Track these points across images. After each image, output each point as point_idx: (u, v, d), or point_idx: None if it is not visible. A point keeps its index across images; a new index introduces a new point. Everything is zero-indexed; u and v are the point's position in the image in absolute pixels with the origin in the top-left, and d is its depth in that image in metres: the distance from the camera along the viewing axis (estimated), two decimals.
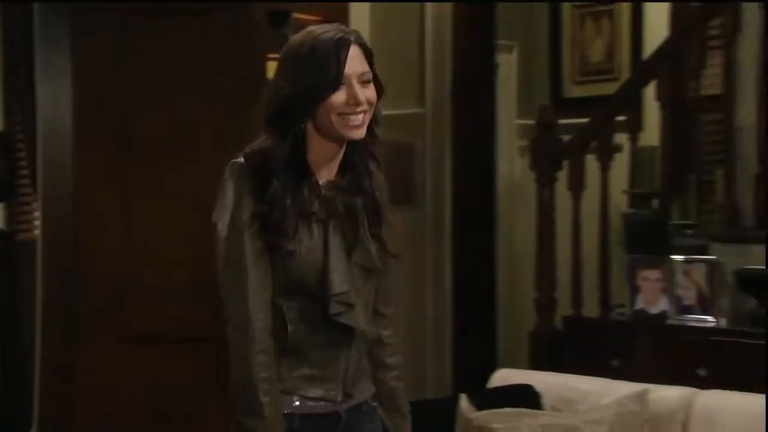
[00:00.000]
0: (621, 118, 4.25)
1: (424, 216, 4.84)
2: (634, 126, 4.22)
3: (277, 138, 2.05)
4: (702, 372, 3.54)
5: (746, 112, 4.07)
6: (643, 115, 4.44)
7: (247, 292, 2.01)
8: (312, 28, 2.10)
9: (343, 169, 2.11)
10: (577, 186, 4.19)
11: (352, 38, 2.05)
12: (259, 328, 2.01)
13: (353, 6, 4.94)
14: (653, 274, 3.86)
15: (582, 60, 4.98)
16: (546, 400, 3.24)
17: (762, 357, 3.35)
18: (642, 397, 3.10)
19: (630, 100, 4.23)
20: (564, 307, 4.23)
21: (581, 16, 4.99)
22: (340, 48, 2.02)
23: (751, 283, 3.65)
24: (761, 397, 2.97)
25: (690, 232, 3.90)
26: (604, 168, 4.14)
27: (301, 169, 2.06)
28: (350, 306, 2.05)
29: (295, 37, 2.09)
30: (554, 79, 5.18)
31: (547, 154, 4.22)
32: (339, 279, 2.04)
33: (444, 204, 4.83)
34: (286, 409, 2.02)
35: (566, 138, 4.29)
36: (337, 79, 2.01)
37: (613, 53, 4.93)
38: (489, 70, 4.87)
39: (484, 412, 3.05)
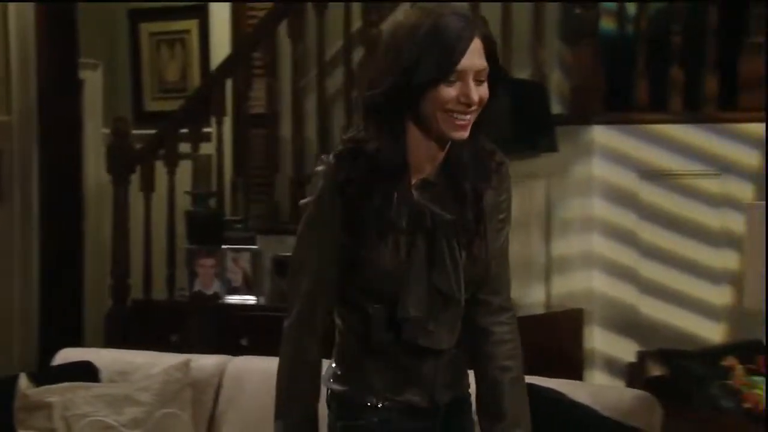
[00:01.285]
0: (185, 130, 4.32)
1: (12, 212, 4.73)
2: (197, 137, 4.31)
3: (374, 129, 1.62)
4: (244, 341, 3.70)
5: (285, 128, 4.31)
6: (211, 127, 4.55)
7: (309, 291, 1.71)
8: (422, 7, 1.61)
9: (444, 165, 1.68)
10: (147, 187, 4.22)
11: (478, 28, 1.60)
12: (316, 325, 1.72)
13: None
14: (208, 262, 3.98)
15: (160, 79, 5.04)
16: (104, 374, 3.23)
17: None
18: (185, 365, 3.18)
19: (193, 115, 4.31)
20: (139, 292, 4.24)
21: (157, 41, 5.03)
22: (462, 36, 1.57)
23: (284, 267, 3.88)
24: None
25: (239, 226, 4.06)
26: (171, 172, 4.22)
27: (396, 168, 1.63)
28: (427, 331, 1.69)
29: (408, 16, 1.61)
30: (136, 95, 5.17)
31: (121, 160, 4.21)
32: (415, 302, 1.67)
33: (31, 202, 4.75)
34: (375, 416, 1.72)
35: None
36: (452, 69, 1.57)
37: (186, 74, 5.02)
38: (74, 85, 4.77)
39: (41, 388, 2.99)
